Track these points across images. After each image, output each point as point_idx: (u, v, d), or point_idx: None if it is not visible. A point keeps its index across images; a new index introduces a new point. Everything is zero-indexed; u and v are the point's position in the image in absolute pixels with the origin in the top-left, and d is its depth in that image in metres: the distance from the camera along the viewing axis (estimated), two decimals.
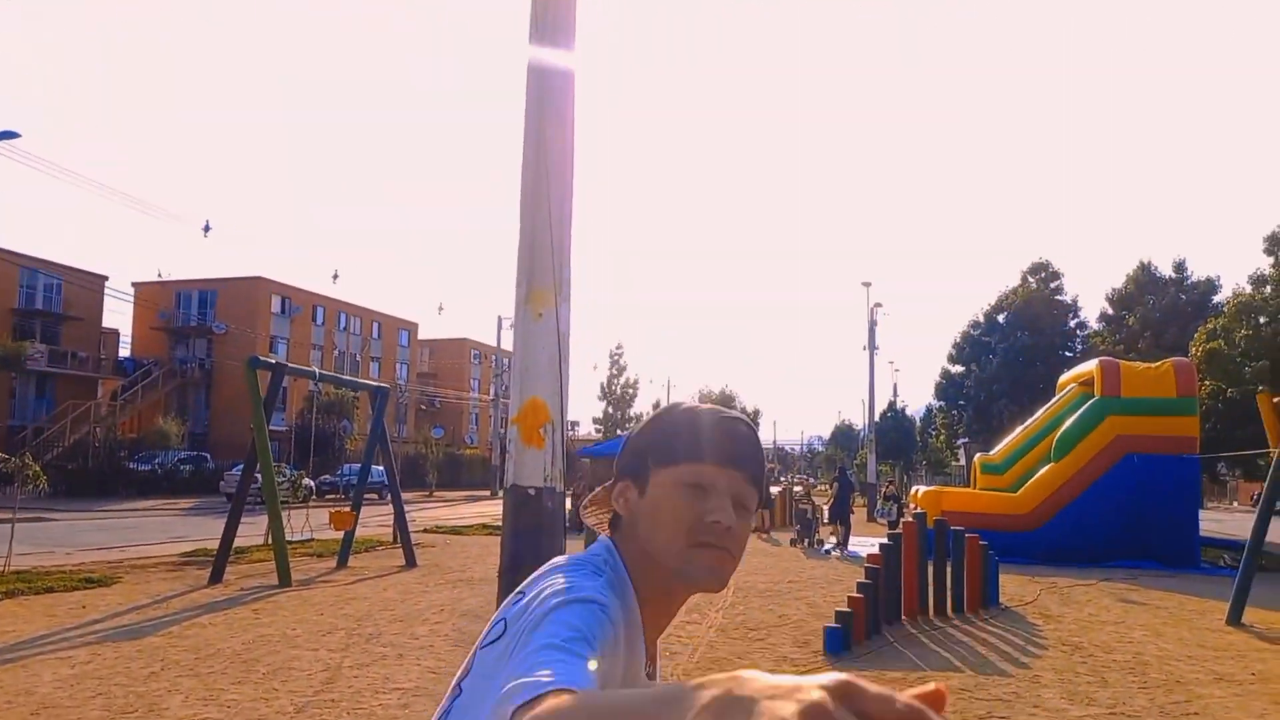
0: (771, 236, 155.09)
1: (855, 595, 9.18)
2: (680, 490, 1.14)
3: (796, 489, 25.54)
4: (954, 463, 53.55)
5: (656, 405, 55.08)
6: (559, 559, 1.18)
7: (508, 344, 61.23)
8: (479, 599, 11.20)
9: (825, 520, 22.07)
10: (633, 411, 42.41)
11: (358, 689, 6.80)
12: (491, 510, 31.18)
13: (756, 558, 17.03)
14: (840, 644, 8.40)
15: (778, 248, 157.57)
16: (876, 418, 40.20)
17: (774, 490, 28.45)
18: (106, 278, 45.10)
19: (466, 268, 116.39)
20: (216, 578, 12.20)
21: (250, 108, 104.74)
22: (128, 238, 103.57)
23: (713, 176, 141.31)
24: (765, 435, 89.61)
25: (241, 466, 15.67)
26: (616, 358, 42.81)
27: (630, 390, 43.37)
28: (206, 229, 31.12)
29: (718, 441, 1.16)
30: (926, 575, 10.72)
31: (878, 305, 38.46)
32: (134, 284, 50.14)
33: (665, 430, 1.19)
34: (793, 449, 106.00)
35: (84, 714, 6.00)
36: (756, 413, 62.02)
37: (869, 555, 10.32)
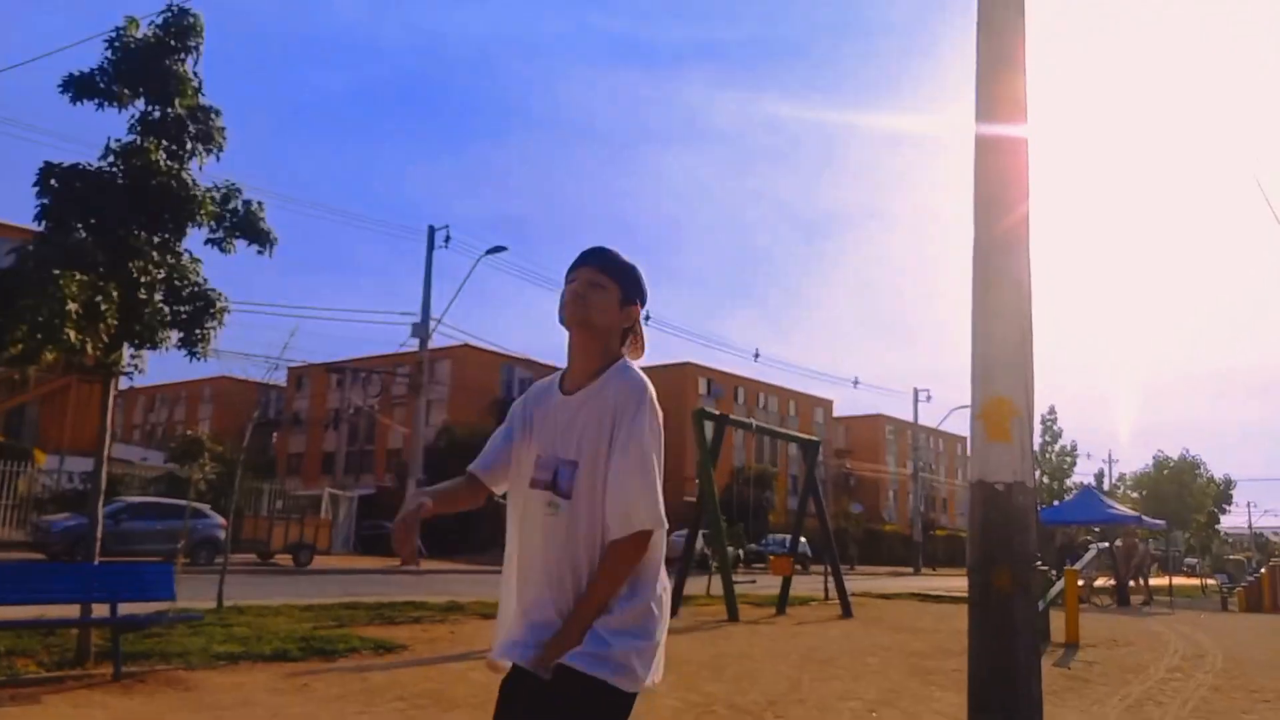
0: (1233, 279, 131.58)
1: None
2: (565, 286, 2.19)
3: None
4: None
5: (1099, 476, 49.89)
6: None
7: (926, 417, 59.57)
8: (924, 643, 10.97)
9: None
10: (1070, 482, 38.70)
11: (821, 695, 7.07)
12: (916, 584, 30.12)
13: (1250, 634, 14.69)
14: None
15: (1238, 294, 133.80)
16: None
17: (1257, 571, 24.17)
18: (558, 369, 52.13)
19: (879, 343, 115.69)
20: (672, 612, 13.29)
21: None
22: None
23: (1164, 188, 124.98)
24: (1240, 520, 76.89)
25: (682, 534, 16.77)
26: (1050, 423, 39.51)
27: (1067, 459, 39.68)
28: (647, 319, 34.80)
29: (577, 259, 2.21)
30: None
31: None
32: None
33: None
34: (1275, 535, 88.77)
35: None
36: (1227, 482, 52.89)
37: None
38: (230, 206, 7.24)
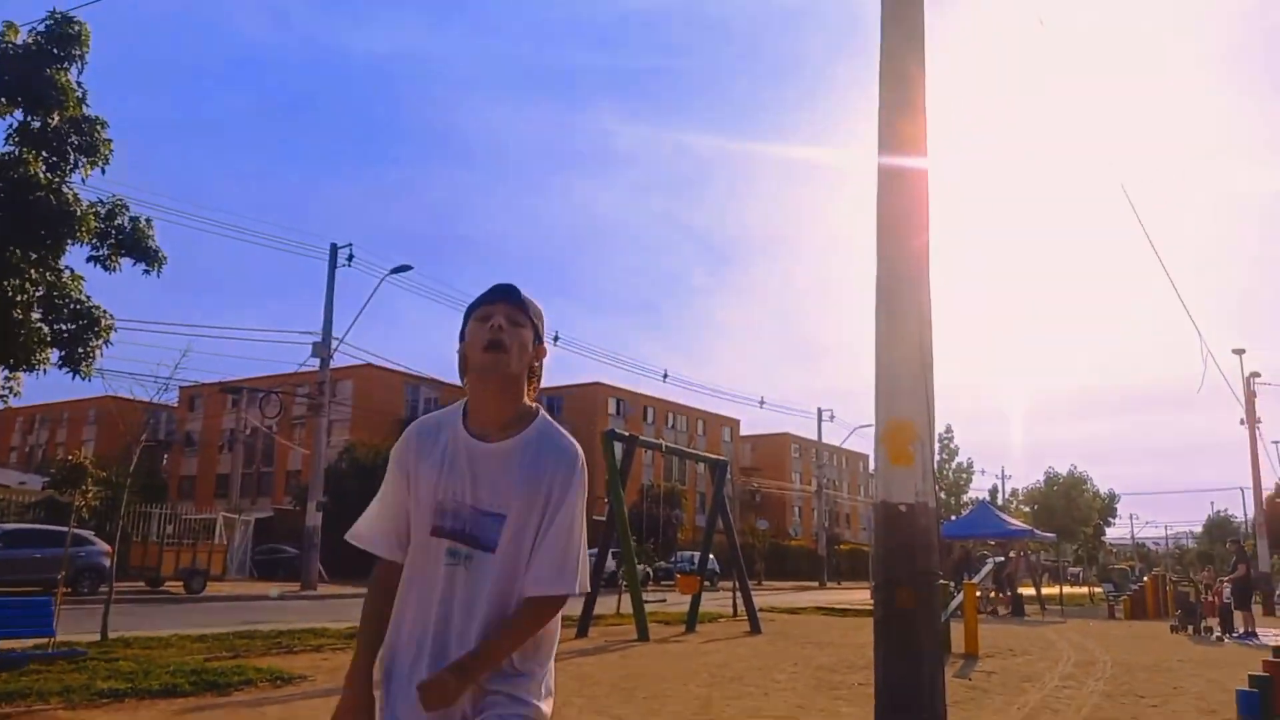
0: (1124, 303, 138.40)
1: (1275, 660, 8.03)
2: (476, 324, 2.01)
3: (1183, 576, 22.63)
4: None
5: (993, 491, 51.89)
6: None
7: (830, 436, 60.96)
8: (831, 657, 11.13)
9: (1233, 605, 19.28)
10: (966, 498, 40.10)
11: (731, 714, 7.08)
12: (822, 598, 30.66)
13: (1136, 640, 15.38)
14: (1258, 708, 7.36)
15: (1130, 313, 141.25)
16: (1264, 504, 34.81)
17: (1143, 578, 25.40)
18: None
19: (785, 364, 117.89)
20: (582, 633, 13.18)
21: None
22: None
23: (1051, 228, 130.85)
24: (1123, 531, 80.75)
25: (592, 553, 16.81)
26: (946, 441, 40.85)
27: (964, 476, 41.12)
28: (556, 339, 34.64)
29: (490, 294, 2.05)
30: None
31: (1255, 374, 33.71)
32: None
33: (471, 304, 2.07)
34: (1155, 545, 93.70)
35: None
36: (1111, 496, 55.71)
37: None
38: (116, 223, 6.91)
